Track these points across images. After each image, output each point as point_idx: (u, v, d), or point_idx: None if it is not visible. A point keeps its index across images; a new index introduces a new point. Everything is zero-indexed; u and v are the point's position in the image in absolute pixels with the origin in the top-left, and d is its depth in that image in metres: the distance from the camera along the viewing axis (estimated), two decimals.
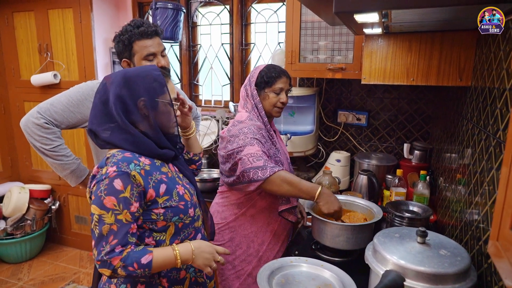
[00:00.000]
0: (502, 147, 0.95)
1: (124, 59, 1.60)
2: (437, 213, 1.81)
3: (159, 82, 1.14)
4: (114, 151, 1.13)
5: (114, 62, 3.15)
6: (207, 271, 1.14)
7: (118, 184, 1.04)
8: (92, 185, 1.09)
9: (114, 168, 1.05)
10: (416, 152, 2.22)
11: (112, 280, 1.16)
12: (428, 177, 1.90)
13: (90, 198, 1.09)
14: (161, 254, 1.07)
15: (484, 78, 1.21)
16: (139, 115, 1.12)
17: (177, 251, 1.09)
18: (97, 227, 1.03)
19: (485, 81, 1.19)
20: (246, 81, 1.64)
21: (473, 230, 1.15)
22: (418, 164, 2.19)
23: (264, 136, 1.54)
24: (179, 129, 1.35)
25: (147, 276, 1.07)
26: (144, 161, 1.12)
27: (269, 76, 1.59)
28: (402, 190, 1.90)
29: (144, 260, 1.03)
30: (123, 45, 1.56)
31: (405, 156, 2.29)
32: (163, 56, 1.63)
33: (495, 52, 1.11)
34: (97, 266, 1.04)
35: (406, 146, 2.29)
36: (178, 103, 1.24)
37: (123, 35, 1.56)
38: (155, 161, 1.17)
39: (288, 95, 2.28)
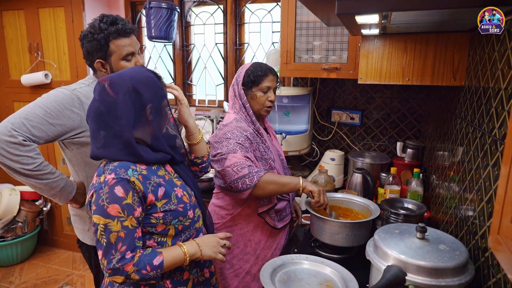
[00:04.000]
0: (498, 144, 0.99)
1: (98, 60, 1.47)
2: (431, 209, 1.85)
3: (160, 87, 1.16)
4: None
5: None
6: (220, 258, 1.20)
7: (119, 191, 1.04)
8: (90, 194, 1.08)
9: (113, 175, 1.05)
10: (409, 150, 2.27)
11: (114, 283, 1.16)
12: (421, 175, 1.94)
13: (91, 208, 1.07)
14: (170, 253, 1.11)
15: (478, 78, 1.24)
16: (143, 121, 1.12)
17: (184, 248, 1.13)
18: (104, 237, 1.03)
19: (479, 81, 1.23)
20: (233, 80, 1.65)
21: (469, 225, 1.19)
22: (410, 162, 2.24)
23: (249, 138, 1.54)
24: (183, 139, 1.36)
25: (156, 278, 1.08)
26: (141, 165, 1.12)
27: (256, 75, 1.59)
28: (397, 188, 1.94)
29: (156, 261, 1.06)
30: (99, 45, 1.43)
31: (398, 154, 2.33)
32: (138, 54, 1.53)
33: (489, 53, 1.15)
34: (107, 275, 1.04)
35: (399, 145, 2.33)
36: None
37: (97, 34, 1.42)
38: (151, 164, 1.17)
39: (284, 95, 2.35)
